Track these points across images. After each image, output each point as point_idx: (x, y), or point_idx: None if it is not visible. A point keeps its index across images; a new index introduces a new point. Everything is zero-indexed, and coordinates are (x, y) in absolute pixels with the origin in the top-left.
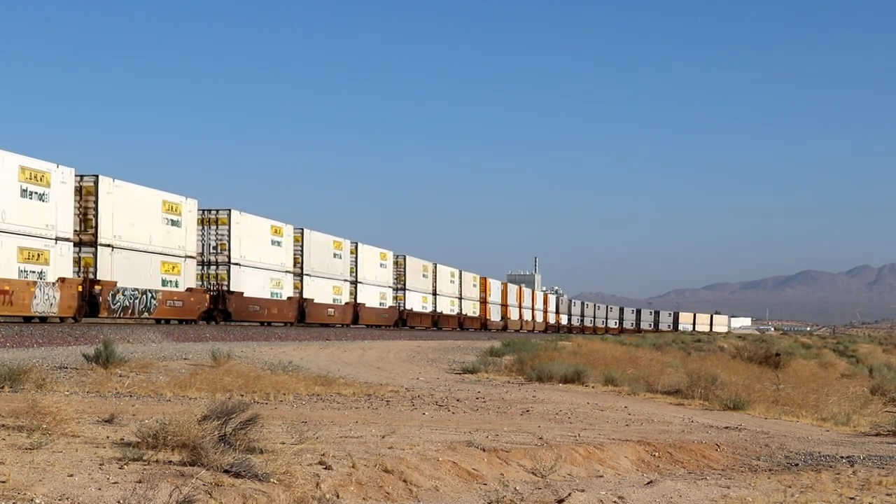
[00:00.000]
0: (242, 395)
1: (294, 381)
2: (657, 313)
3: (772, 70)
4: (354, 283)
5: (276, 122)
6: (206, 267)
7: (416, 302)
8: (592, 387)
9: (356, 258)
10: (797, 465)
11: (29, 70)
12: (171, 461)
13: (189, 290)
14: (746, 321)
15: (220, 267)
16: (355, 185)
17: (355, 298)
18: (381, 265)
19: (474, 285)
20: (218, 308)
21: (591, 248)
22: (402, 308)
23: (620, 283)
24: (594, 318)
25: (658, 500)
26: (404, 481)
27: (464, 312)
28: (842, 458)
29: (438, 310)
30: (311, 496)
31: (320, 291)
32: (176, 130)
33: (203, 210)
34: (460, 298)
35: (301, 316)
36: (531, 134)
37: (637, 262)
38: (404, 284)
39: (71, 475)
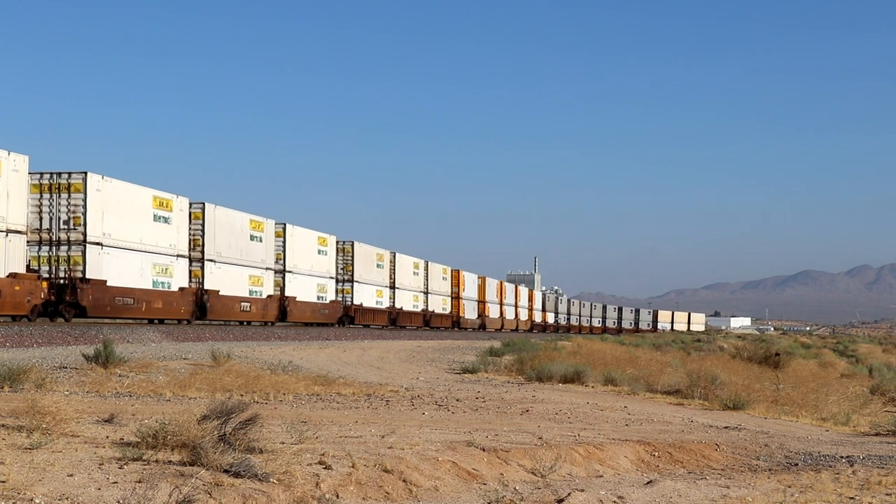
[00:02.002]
0: (242, 395)
1: (294, 380)
2: (637, 311)
3: (772, 70)
4: (282, 272)
5: (276, 122)
6: (52, 247)
7: (368, 296)
8: (592, 387)
9: (284, 242)
10: (797, 464)
11: (30, 70)
12: (170, 461)
13: (13, 276)
14: (746, 321)
15: (73, 247)
16: (354, 184)
17: (283, 291)
18: (321, 252)
19: (444, 278)
20: (65, 301)
21: (591, 248)
22: (348, 303)
23: (620, 283)
24: (580, 316)
25: (658, 500)
26: (404, 481)
27: (430, 309)
28: (841, 457)
29: (398, 305)
30: (310, 496)
31: (230, 281)
32: (174, 130)
33: (49, 174)
34: (426, 293)
35: (201, 311)
36: (531, 134)
37: (637, 262)
38: (352, 275)
39: (71, 475)
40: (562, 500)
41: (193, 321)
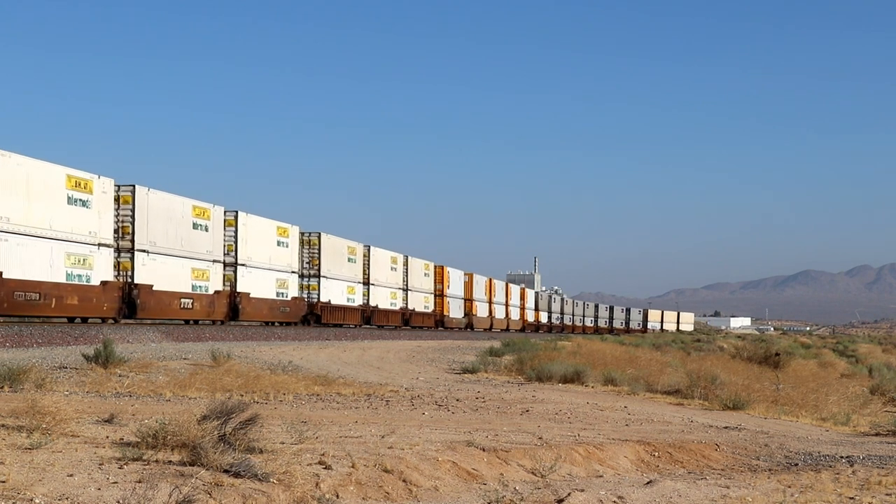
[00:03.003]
0: (242, 395)
1: (294, 380)
2: (628, 311)
3: (772, 70)
4: (234, 265)
5: (275, 122)
6: None
7: (338, 293)
8: (592, 387)
9: (236, 233)
10: (797, 464)
11: (31, 71)
12: (170, 461)
13: None
14: (746, 321)
15: None
16: (355, 185)
17: (234, 286)
18: (281, 243)
19: (426, 275)
20: None
21: (591, 248)
22: (313, 300)
23: (620, 283)
24: (573, 315)
25: (657, 500)
26: (404, 481)
27: (410, 307)
28: (841, 457)
29: (372, 303)
30: (310, 496)
31: (168, 275)
32: (173, 129)
33: None
34: (405, 290)
35: (130, 308)
36: (531, 134)
37: (637, 262)
38: (318, 270)
39: (70, 475)
40: (562, 500)
41: (121, 320)
